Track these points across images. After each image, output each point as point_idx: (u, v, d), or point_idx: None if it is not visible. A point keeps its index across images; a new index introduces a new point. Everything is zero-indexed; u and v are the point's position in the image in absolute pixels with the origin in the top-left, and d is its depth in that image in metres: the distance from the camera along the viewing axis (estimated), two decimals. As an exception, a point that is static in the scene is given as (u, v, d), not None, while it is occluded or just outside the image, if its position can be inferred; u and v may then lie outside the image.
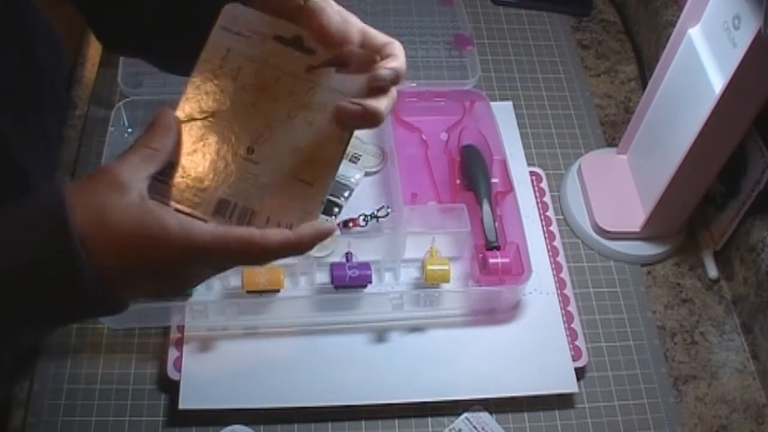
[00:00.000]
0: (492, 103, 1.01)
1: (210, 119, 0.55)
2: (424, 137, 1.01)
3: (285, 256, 0.53)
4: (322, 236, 0.53)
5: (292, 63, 0.55)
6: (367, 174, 0.98)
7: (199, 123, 0.55)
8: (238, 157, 0.55)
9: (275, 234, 0.52)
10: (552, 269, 0.93)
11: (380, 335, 0.87)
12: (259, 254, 0.52)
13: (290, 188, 0.54)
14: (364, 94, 0.54)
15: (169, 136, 0.53)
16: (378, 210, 0.91)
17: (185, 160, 0.54)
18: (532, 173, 1.01)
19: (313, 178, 0.54)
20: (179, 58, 0.60)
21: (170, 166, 0.54)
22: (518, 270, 0.87)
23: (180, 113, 0.55)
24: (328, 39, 0.54)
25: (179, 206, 0.53)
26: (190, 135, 0.55)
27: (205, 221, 0.53)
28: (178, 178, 0.54)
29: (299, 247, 0.53)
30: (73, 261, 0.48)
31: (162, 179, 0.53)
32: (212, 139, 0.55)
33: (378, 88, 0.54)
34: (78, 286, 0.49)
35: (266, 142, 0.55)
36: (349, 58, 0.55)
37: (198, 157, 0.54)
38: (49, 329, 0.66)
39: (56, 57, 0.95)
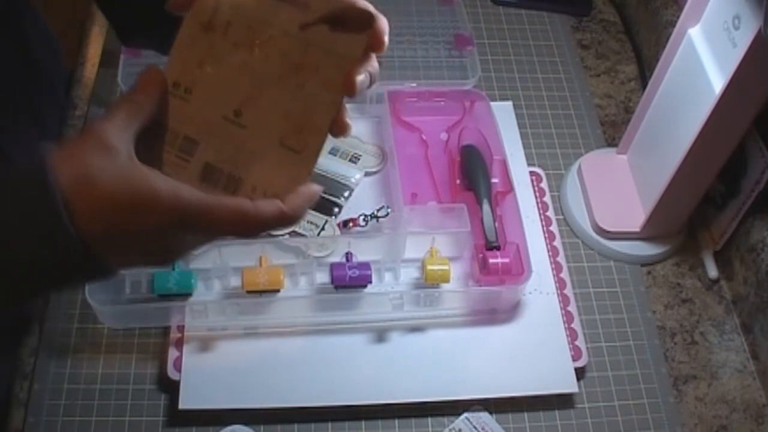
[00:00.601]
0: (492, 103, 1.01)
1: (198, 78, 0.53)
2: (424, 137, 1.01)
3: (277, 228, 0.52)
4: (311, 201, 0.52)
5: (285, 19, 0.52)
6: (367, 174, 0.98)
7: (188, 82, 0.53)
8: (225, 120, 0.52)
9: (268, 205, 0.51)
10: (552, 269, 0.93)
11: (380, 335, 0.87)
12: (252, 226, 0.51)
13: (278, 156, 0.52)
14: (360, 56, 0.52)
15: (156, 90, 0.51)
16: (378, 210, 0.91)
17: (172, 121, 0.52)
18: (532, 173, 1.01)
19: (302, 146, 0.52)
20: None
21: (157, 126, 0.52)
22: (518, 270, 0.87)
23: (168, 72, 0.53)
24: None
25: (165, 168, 0.52)
26: (177, 96, 0.53)
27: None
28: (165, 140, 0.52)
29: (292, 220, 0.52)
30: (55, 222, 0.47)
31: (149, 141, 0.52)
32: (200, 100, 0.53)
33: (373, 53, 0.52)
34: (61, 248, 0.48)
35: (255, 104, 0.52)
36: (345, 15, 0.52)
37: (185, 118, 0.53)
38: (38, 292, 0.64)
39: (54, 57, 0.95)
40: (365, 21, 0.51)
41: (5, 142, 0.75)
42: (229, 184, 0.52)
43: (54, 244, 0.48)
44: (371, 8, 0.52)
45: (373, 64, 0.53)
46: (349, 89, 0.52)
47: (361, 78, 0.52)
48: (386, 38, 0.52)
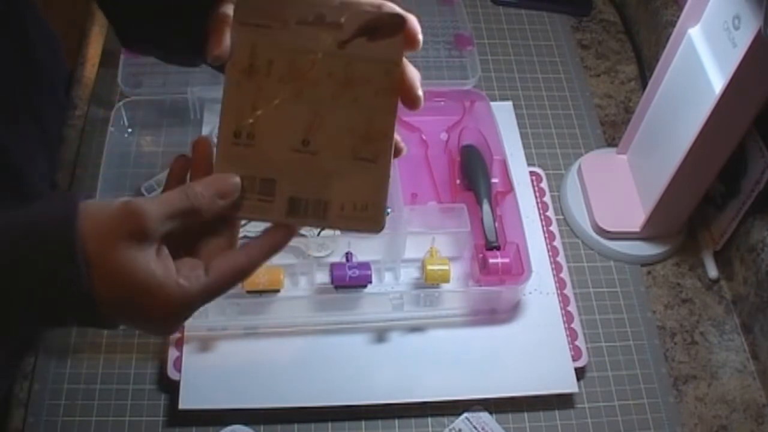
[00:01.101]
0: (492, 103, 1.01)
1: (256, 122, 0.54)
2: (424, 137, 1.01)
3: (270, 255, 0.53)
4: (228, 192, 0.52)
5: (321, 43, 0.54)
6: (367, 174, 0.98)
7: (247, 128, 0.54)
8: (295, 152, 0.53)
9: (255, 248, 0.53)
10: (552, 269, 0.93)
11: (380, 335, 0.87)
12: (247, 273, 0.53)
13: (355, 169, 0.53)
14: (401, 56, 0.53)
15: (227, 200, 0.52)
16: (378, 210, 0.91)
17: (244, 170, 0.53)
18: (532, 173, 1.01)
19: (374, 154, 0.53)
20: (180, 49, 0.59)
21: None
22: (518, 270, 0.87)
23: (225, 125, 0.54)
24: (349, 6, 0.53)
25: (251, 215, 0.53)
26: (241, 144, 0.54)
27: (283, 224, 0.53)
28: (242, 189, 0.53)
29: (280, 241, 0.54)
30: (74, 281, 0.48)
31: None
32: (264, 141, 0.53)
33: (411, 50, 0.53)
34: (77, 310, 0.49)
35: (318, 130, 0.54)
36: (377, 24, 0.53)
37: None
38: (29, 332, 0.66)
39: (55, 57, 0.95)
40: (398, 24, 0.53)
41: (5, 141, 0.74)
42: (317, 210, 0.53)
43: (71, 306, 0.49)
44: (400, 10, 0.54)
45: (412, 71, 0.54)
46: (412, 102, 0.54)
47: (417, 86, 0.53)
48: (420, 36, 0.53)
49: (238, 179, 0.53)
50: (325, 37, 0.54)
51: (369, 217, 0.53)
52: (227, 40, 0.54)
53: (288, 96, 0.54)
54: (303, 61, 0.54)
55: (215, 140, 0.54)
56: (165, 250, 0.51)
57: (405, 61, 0.54)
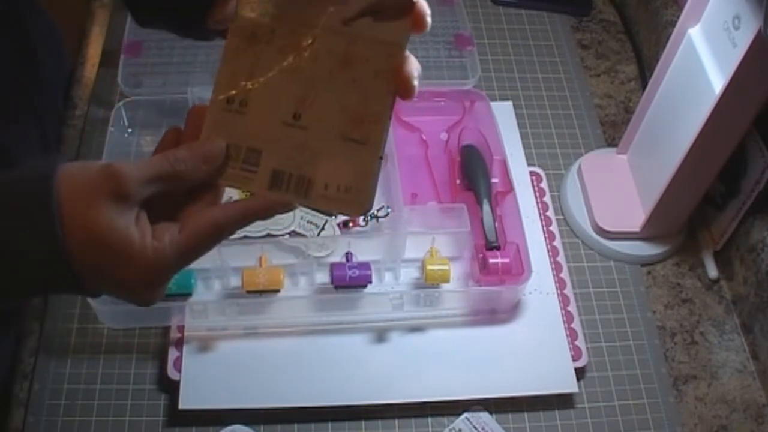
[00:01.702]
0: (492, 103, 1.01)
1: (251, 89, 0.53)
2: (424, 137, 1.01)
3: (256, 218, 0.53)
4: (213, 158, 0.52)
5: (327, 18, 0.53)
6: (367, 174, 0.98)
7: (241, 95, 0.53)
8: (285, 125, 0.53)
9: (234, 206, 0.52)
10: (552, 269, 0.93)
11: (380, 335, 0.87)
12: (222, 230, 0.52)
13: (343, 150, 0.52)
14: (406, 41, 0.52)
15: (210, 165, 0.51)
16: (378, 210, 0.91)
17: (231, 137, 0.53)
18: (532, 173, 1.01)
19: (365, 136, 0.52)
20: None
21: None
22: (518, 270, 0.87)
23: (219, 88, 0.53)
24: None
25: (232, 183, 0.52)
26: (233, 110, 0.53)
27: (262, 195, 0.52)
28: (227, 156, 0.52)
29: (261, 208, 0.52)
30: (51, 243, 0.48)
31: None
32: (256, 110, 0.53)
33: (417, 33, 0.52)
34: (51, 267, 0.49)
35: (311, 105, 0.53)
36: (385, 3, 0.52)
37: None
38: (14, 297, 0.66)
39: (57, 56, 0.95)
40: (406, 5, 0.52)
41: (5, 140, 0.74)
42: (300, 186, 0.52)
43: (45, 262, 0.48)
44: None
45: (413, 61, 0.53)
46: (406, 91, 0.52)
47: (414, 76, 0.52)
48: (429, 19, 0.52)
49: (223, 145, 0.52)
50: (331, 12, 0.52)
51: (351, 199, 0.52)
52: (232, 5, 0.53)
53: (285, 68, 0.53)
54: (304, 35, 0.53)
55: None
56: (144, 216, 0.50)
57: (407, 52, 0.53)
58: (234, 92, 0.53)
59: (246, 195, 0.55)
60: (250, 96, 0.53)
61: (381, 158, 0.52)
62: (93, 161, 0.50)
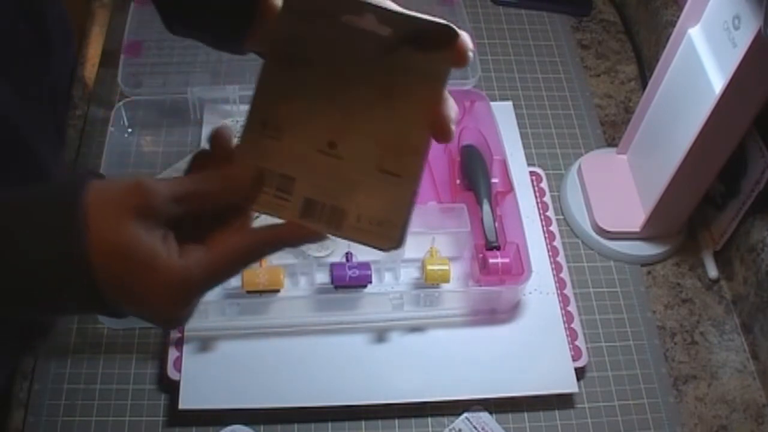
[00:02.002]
0: (492, 103, 1.01)
1: (286, 114, 0.52)
2: (424, 137, 1.01)
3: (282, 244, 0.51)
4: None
5: (367, 46, 0.51)
6: (367, 174, 0.98)
7: (276, 120, 0.51)
8: (321, 154, 0.51)
9: (264, 233, 0.51)
10: (552, 269, 0.93)
11: (380, 335, 0.87)
12: (252, 254, 0.50)
13: (378, 182, 0.51)
14: (447, 73, 0.51)
15: (242, 189, 0.50)
16: (378, 210, 0.91)
17: (266, 161, 0.51)
18: (532, 173, 1.01)
19: (401, 169, 0.51)
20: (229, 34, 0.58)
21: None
22: (518, 270, 0.87)
23: (254, 113, 0.51)
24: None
25: (264, 210, 0.50)
26: (267, 135, 0.52)
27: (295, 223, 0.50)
28: (263, 182, 0.51)
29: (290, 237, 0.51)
30: (75, 254, 0.47)
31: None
32: (291, 136, 0.51)
33: (457, 67, 0.51)
34: (72, 279, 0.48)
35: (348, 134, 0.51)
36: (427, 34, 0.50)
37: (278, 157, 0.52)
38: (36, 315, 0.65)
39: (65, 35, 0.93)
40: (449, 37, 0.51)
41: (16, 117, 0.73)
42: (333, 217, 0.51)
43: (66, 273, 0.48)
44: (452, 25, 0.52)
45: (452, 104, 0.52)
46: (442, 135, 0.51)
47: (451, 117, 0.51)
48: (471, 54, 0.51)
49: (257, 171, 0.50)
50: (372, 39, 0.51)
51: (383, 233, 0.50)
52: (271, 25, 0.52)
53: (323, 94, 0.52)
54: (344, 62, 0.52)
55: (240, 129, 0.52)
56: (171, 235, 0.49)
57: (447, 93, 0.51)
58: (269, 116, 0.52)
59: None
60: (285, 121, 0.52)
61: (416, 193, 0.51)
62: (124, 177, 0.50)
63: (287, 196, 0.51)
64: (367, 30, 0.51)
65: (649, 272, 0.96)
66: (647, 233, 0.96)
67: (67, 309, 0.54)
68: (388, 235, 0.50)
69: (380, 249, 0.51)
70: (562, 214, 1.00)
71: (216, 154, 0.52)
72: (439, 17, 0.53)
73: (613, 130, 1.08)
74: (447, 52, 0.51)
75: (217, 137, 0.52)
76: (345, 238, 0.50)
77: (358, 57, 0.51)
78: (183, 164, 0.97)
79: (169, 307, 0.50)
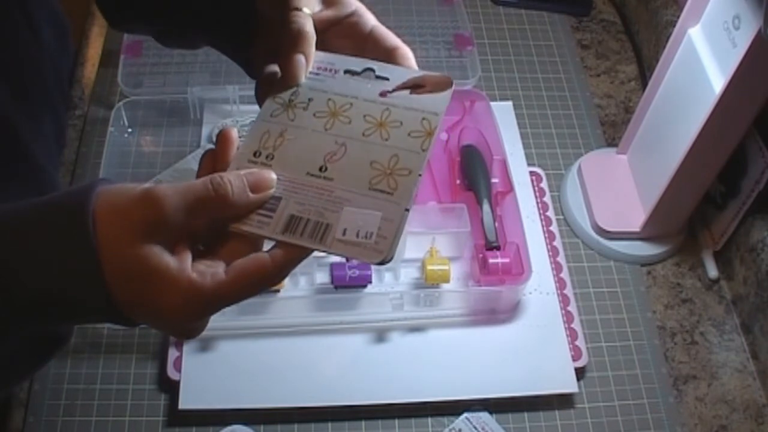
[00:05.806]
0: (492, 103, 1.01)
1: (279, 145, 0.53)
2: (424, 137, 1.01)
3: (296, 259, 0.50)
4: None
5: (365, 91, 0.54)
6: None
7: (269, 150, 0.53)
8: (309, 176, 0.51)
9: (286, 254, 0.50)
10: (552, 269, 0.93)
11: (380, 335, 0.87)
12: (271, 278, 0.50)
13: (368, 199, 0.50)
14: (445, 108, 0.53)
15: (260, 193, 0.50)
16: (378, 210, 0.91)
17: None
18: (532, 173, 1.01)
19: (393, 187, 0.51)
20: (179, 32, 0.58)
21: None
22: (518, 270, 0.87)
23: (247, 146, 0.52)
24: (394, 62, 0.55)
25: (244, 228, 0.50)
26: (258, 163, 0.52)
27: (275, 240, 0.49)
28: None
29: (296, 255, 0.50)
30: (85, 264, 0.47)
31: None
32: (282, 162, 0.52)
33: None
34: (84, 289, 0.48)
35: (340, 159, 0.52)
36: (424, 82, 0.54)
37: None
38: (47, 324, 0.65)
39: (61, 42, 0.93)
40: (445, 83, 0.53)
41: (14, 118, 0.73)
42: (316, 232, 0.50)
43: (78, 283, 0.48)
44: (396, 41, 0.55)
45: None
46: None
47: None
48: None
49: (274, 175, 0.50)
50: (369, 86, 0.54)
51: (371, 245, 0.49)
52: (274, 69, 0.55)
53: (318, 128, 0.53)
54: (340, 102, 0.54)
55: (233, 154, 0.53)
56: (184, 245, 0.49)
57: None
58: (262, 148, 0.53)
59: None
60: (277, 151, 0.53)
61: (408, 210, 0.50)
62: (134, 185, 0.48)
63: (270, 215, 0.50)
64: (365, 80, 0.55)
65: (649, 272, 0.96)
66: (647, 233, 0.96)
67: (77, 317, 0.54)
68: (376, 247, 0.49)
69: (369, 263, 0.50)
70: (562, 214, 1.00)
71: (220, 156, 0.52)
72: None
73: (613, 130, 1.09)
74: (444, 93, 0.54)
75: (223, 138, 0.52)
76: (332, 252, 0.50)
77: (355, 98, 0.54)
78: (183, 164, 0.97)
79: (182, 317, 0.50)
